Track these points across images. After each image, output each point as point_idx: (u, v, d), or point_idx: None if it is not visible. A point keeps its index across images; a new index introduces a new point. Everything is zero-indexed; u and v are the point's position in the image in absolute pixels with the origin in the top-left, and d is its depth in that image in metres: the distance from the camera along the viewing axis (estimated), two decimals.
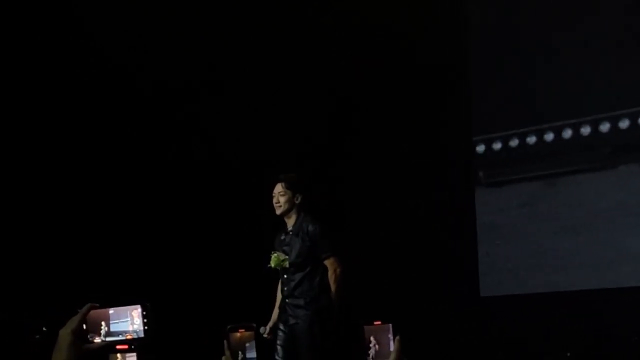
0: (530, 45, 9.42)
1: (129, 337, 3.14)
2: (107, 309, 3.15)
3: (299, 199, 7.24)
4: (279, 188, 7.24)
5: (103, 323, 3.12)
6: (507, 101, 9.50)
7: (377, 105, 9.58)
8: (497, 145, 9.59)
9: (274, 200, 7.25)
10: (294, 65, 9.39)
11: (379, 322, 3.24)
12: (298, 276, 7.24)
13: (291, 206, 7.25)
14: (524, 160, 9.48)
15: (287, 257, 7.20)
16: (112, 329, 3.14)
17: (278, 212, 7.27)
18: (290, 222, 7.30)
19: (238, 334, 3.37)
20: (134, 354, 3.47)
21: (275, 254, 7.20)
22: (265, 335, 7.18)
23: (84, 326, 3.05)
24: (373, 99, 9.56)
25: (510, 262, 9.44)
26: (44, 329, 5.13)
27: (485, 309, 9.48)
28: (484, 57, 9.68)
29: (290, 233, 7.27)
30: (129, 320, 3.16)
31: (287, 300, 7.27)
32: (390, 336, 3.22)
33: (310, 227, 7.21)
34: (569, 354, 8.90)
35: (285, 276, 7.28)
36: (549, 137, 9.39)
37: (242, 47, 9.30)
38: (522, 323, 9.13)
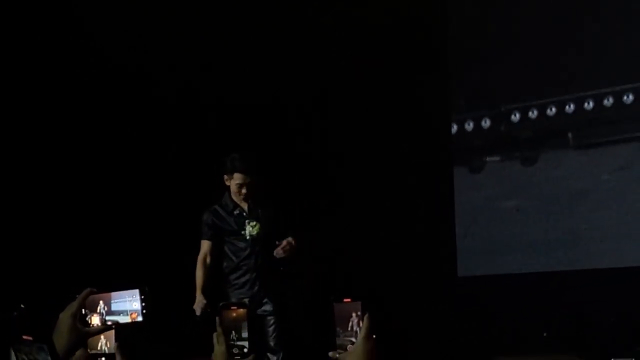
0: None
1: (133, 315, 3.22)
2: (106, 293, 3.25)
3: (258, 180, 7.27)
4: (244, 179, 7.19)
5: (102, 302, 3.23)
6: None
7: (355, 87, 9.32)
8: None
9: (243, 190, 7.19)
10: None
11: (349, 300, 3.12)
12: (269, 247, 7.20)
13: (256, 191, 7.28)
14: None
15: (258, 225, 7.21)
16: (112, 309, 3.24)
17: (246, 201, 7.23)
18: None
19: (232, 312, 3.24)
20: (112, 331, 3.33)
21: (253, 222, 7.17)
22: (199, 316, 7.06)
23: (83, 310, 3.18)
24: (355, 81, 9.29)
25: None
26: (21, 305, 4.99)
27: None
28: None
29: (249, 207, 7.24)
30: (128, 300, 3.25)
31: (258, 274, 7.19)
32: (360, 313, 3.12)
33: (272, 208, 7.30)
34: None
35: (255, 248, 7.22)
36: None
37: (229, 43, 9.18)
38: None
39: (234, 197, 7.26)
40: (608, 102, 8.79)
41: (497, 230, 9.21)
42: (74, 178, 8.64)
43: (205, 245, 7.30)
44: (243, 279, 7.23)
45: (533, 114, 9.19)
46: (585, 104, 8.88)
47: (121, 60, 8.69)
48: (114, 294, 3.23)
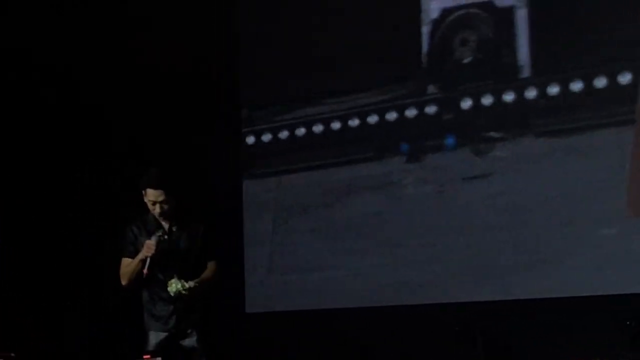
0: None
1: None
2: None
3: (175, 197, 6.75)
4: (160, 196, 6.67)
5: None
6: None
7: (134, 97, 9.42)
8: (267, 137, 9.49)
9: (158, 210, 6.69)
10: None
11: (148, 356, 3.36)
12: (189, 277, 6.72)
13: (175, 210, 6.76)
14: (294, 151, 9.30)
15: (187, 284, 6.60)
16: None
17: (165, 220, 6.76)
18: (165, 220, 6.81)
19: None
20: None
21: (174, 280, 6.59)
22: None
23: None
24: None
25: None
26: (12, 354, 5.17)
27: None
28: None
29: (173, 229, 6.77)
30: None
31: (176, 306, 6.72)
32: None
33: (200, 226, 6.87)
34: None
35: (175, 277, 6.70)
36: (318, 128, 9.25)
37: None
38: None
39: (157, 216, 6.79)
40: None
41: None
42: None
43: (125, 263, 6.82)
44: (164, 310, 6.74)
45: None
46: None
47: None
48: None
